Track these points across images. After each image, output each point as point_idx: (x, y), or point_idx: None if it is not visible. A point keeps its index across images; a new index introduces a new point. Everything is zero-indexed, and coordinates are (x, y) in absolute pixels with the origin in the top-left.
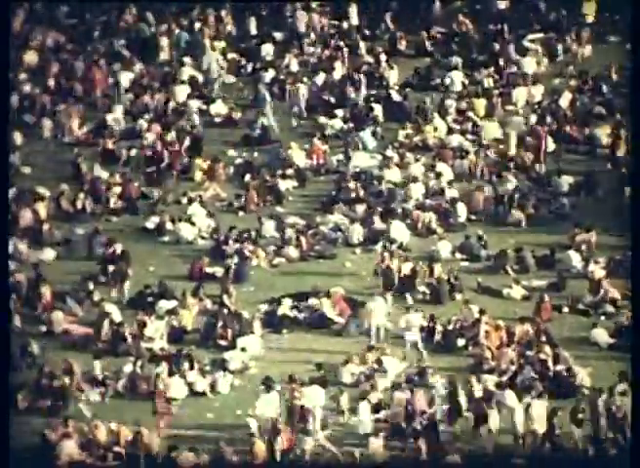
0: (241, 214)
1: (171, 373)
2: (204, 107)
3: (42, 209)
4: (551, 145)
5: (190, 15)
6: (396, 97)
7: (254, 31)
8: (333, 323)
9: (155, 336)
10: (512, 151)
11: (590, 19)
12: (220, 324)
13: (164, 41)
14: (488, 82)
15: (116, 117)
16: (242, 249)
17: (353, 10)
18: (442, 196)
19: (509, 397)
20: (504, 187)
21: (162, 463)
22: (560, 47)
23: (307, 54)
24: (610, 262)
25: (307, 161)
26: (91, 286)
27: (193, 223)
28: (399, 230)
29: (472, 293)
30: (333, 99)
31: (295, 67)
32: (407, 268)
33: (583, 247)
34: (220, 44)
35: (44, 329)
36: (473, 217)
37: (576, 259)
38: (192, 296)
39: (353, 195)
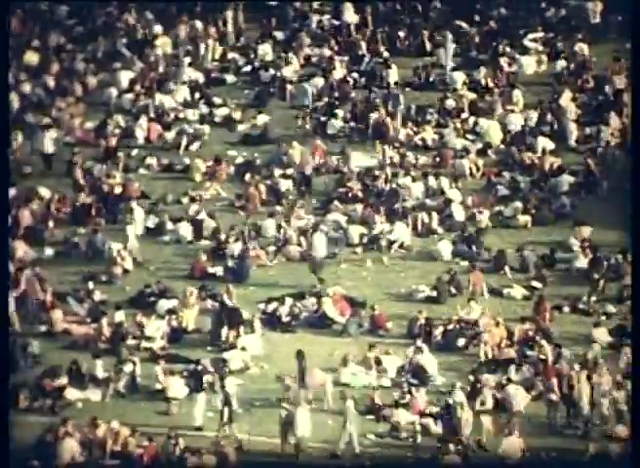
0: (241, 213)
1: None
2: (204, 107)
3: (42, 208)
4: (551, 144)
5: (191, 14)
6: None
7: (254, 31)
8: (333, 323)
9: (155, 336)
10: (512, 150)
11: (597, 18)
12: (224, 323)
13: (164, 41)
14: (488, 82)
15: (116, 117)
16: (243, 248)
17: (352, 9)
18: (442, 196)
19: (516, 393)
20: (505, 187)
21: (163, 463)
22: (560, 46)
23: (308, 53)
24: (610, 262)
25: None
26: (91, 285)
27: (194, 223)
28: (401, 231)
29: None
30: (333, 100)
31: (295, 67)
32: None
33: (584, 246)
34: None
35: (44, 329)
36: (473, 217)
37: (576, 259)
38: (196, 296)
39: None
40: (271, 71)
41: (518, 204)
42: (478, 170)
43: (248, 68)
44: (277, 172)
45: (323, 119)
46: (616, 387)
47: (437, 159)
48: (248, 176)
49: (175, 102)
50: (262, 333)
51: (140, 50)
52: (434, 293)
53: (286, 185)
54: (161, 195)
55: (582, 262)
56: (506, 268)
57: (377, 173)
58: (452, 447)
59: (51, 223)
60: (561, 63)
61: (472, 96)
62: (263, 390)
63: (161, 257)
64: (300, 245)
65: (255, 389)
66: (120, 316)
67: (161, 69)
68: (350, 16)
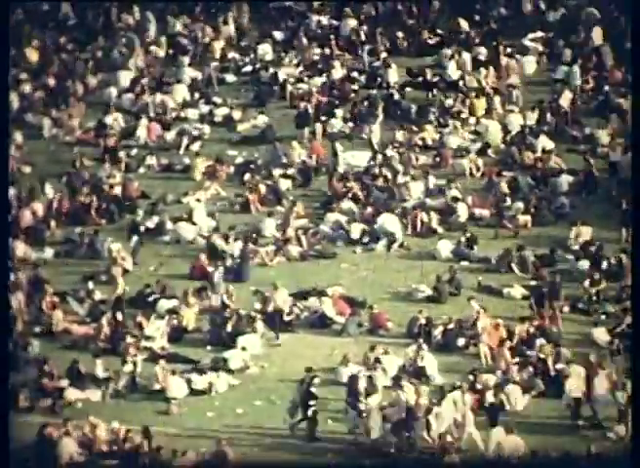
0: (240, 213)
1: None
2: (204, 107)
3: (42, 208)
4: (551, 144)
5: (191, 14)
6: (396, 96)
7: (254, 31)
8: (332, 322)
9: (155, 336)
10: (512, 150)
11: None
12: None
13: (164, 40)
14: (487, 81)
15: (116, 117)
16: (243, 248)
17: (352, 9)
18: (442, 195)
19: (514, 393)
20: (504, 187)
21: (162, 463)
22: (560, 46)
23: (308, 53)
24: (610, 261)
25: (307, 160)
26: (91, 285)
27: (194, 223)
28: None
29: (472, 293)
30: (333, 99)
31: (295, 67)
32: None
33: (583, 246)
34: (220, 44)
35: (44, 329)
36: (474, 217)
37: (576, 259)
38: (195, 296)
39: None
40: (271, 71)
41: (519, 204)
42: (478, 169)
43: (248, 68)
44: (277, 171)
45: (323, 119)
46: (616, 387)
47: (437, 159)
48: (247, 176)
49: (174, 102)
50: (262, 333)
51: (139, 50)
52: (434, 293)
53: (286, 185)
54: (161, 195)
55: (582, 262)
56: (513, 266)
57: (376, 172)
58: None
59: (51, 223)
60: (561, 64)
61: (472, 96)
62: (263, 389)
63: (161, 257)
64: (300, 245)
65: (254, 389)
66: (120, 316)
67: (161, 69)
68: (350, 16)
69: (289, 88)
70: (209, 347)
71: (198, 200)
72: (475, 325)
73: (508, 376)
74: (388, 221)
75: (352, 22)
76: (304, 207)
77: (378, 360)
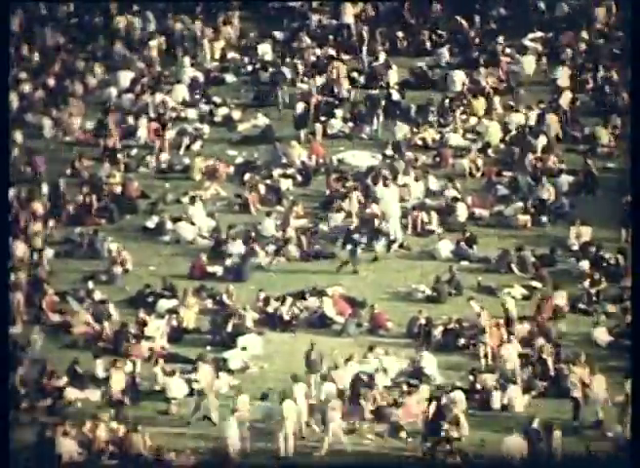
0: (240, 213)
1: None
2: (204, 107)
3: (42, 208)
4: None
5: (191, 14)
6: (396, 96)
7: (254, 31)
8: (332, 322)
9: (155, 335)
10: (512, 150)
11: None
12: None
13: (164, 41)
14: (488, 81)
15: (116, 116)
16: (243, 248)
17: (352, 10)
18: (442, 195)
19: (514, 393)
20: (504, 187)
21: (162, 463)
22: (560, 46)
23: (308, 53)
24: (610, 261)
25: (307, 160)
26: (91, 285)
27: (193, 223)
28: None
29: (472, 293)
30: (332, 99)
31: (296, 67)
32: None
33: (583, 246)
34: (220, 43)
35: (44, 329)
36: (473, 217)
37: (575, 259)
38: (194, 296)
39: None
40: (271, 71)
41: (518, 204)
42: (478, 169)
43: (248, 68)
44: (277, 171)
45: (323, 119)
46: (615, 387)
47: (437, 159)
48: (247, 176)
49: (174, 102)
50: (262, 333)
51: (139, 50)
52: (434, 293)
53: (286, 185)
54: (161, 195)
55: (582, 262)
56: (513, 266)
57: (376, 172)
58: (448, 446)
59: (51, 223)
60: (560, 64)
61: (472, 95)
62: (263, 389)
63: (161, 257)
64: (299, 245)
65: (254, 389)
66: (120, 315)
67: (160, 69)
68: (350, 15)
69: (288, 88)
70: (209, 347)
71: (197, 199)
72: (475, 325)
73: (508, 376)
74: (388, 194)
75: (352, 22)
76: (304, 207)
77: (377, 360)
